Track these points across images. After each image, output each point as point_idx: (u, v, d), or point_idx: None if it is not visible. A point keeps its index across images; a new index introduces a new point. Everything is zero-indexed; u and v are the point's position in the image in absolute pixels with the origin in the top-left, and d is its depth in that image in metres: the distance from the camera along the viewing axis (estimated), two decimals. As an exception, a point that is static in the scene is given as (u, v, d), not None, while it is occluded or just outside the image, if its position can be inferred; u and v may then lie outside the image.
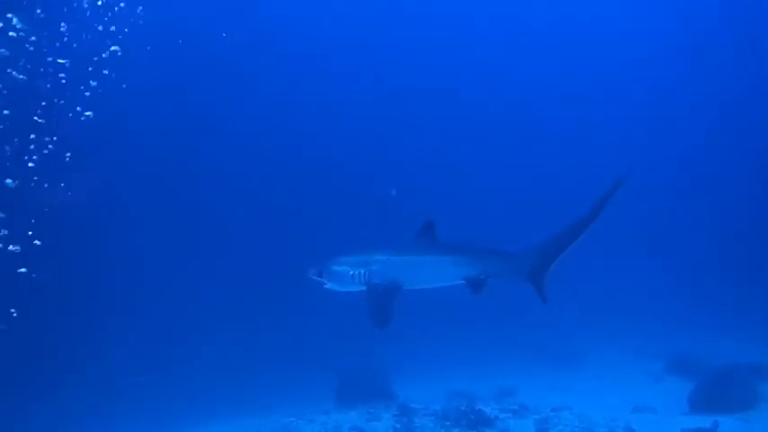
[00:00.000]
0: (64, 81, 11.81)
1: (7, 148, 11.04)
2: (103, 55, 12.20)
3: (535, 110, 27.84)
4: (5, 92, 10.46)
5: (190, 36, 20.70)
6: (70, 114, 12.17)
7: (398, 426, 8.65)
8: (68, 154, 12.25)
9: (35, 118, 11.35)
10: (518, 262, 5.56)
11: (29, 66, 11.00)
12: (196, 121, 21.37)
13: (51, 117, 11.56)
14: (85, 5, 12.38)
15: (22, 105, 11.09)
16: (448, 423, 8.43)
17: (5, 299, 10.54)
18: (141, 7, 13.96)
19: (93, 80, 12.21)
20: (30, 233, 11.11)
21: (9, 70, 10.32)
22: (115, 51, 12.17)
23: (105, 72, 12.58)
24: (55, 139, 11.54)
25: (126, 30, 12.81)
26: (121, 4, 12.72)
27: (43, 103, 11.42)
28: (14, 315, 10.54)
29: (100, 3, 12.39)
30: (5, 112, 10.52)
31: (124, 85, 13.73)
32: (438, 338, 14.83)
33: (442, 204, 20.14)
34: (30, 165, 11.24)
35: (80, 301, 14.70)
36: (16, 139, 11.09)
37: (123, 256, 16.94)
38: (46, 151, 11.29)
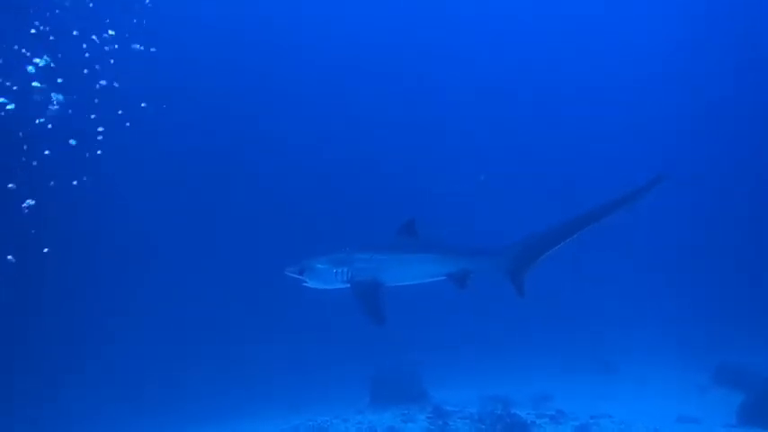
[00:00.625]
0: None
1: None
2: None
3: (531, 109, 27.34)
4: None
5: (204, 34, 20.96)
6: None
7: (433, 428, 8.62)
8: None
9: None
10: (498, 259, 5.64)
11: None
12: (203, 121, 21.60)
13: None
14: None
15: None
16: (483, 427, 8.34)
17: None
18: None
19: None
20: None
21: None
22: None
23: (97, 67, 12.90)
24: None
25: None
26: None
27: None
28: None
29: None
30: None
31: (116, 84, 13.99)
32: (473, 342, 14.70)
33: (434, 203, 20.10)
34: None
35: (81, 301, 14.85)
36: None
37: (125, 251, 17.14)
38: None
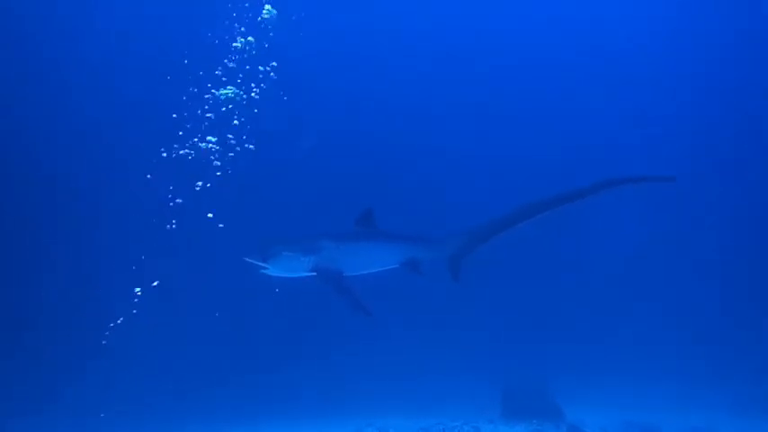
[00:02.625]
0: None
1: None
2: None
3: (525, 107, 24.20)
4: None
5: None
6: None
7: (569, 447, 8.23)
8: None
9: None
10: (440, 247, 5.92)
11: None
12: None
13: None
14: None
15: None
16: (626, 453, 7.74)
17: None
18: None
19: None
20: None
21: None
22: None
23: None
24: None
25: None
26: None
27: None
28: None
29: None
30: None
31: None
32: (613, 358, 13.61)
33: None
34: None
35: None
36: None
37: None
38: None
